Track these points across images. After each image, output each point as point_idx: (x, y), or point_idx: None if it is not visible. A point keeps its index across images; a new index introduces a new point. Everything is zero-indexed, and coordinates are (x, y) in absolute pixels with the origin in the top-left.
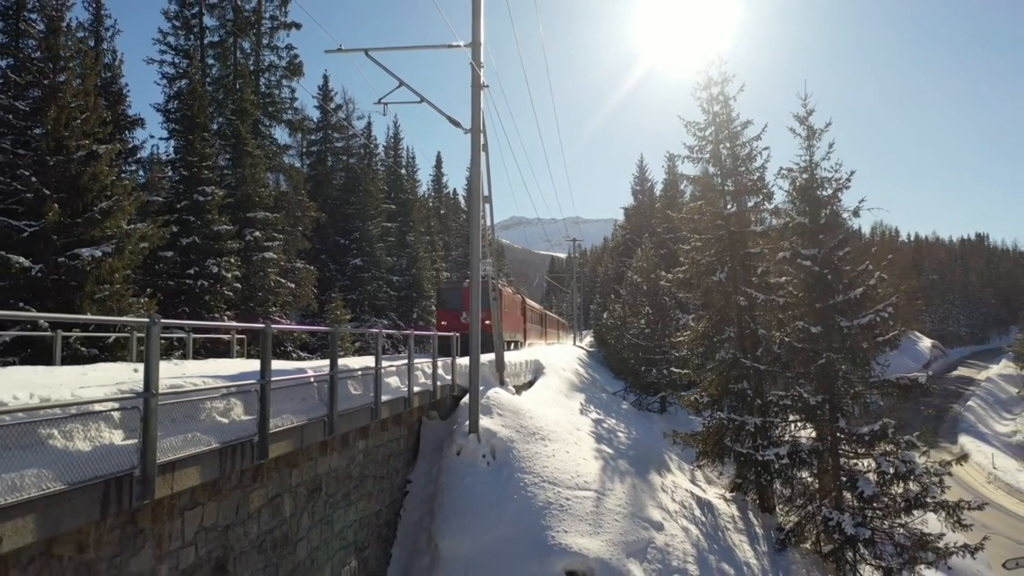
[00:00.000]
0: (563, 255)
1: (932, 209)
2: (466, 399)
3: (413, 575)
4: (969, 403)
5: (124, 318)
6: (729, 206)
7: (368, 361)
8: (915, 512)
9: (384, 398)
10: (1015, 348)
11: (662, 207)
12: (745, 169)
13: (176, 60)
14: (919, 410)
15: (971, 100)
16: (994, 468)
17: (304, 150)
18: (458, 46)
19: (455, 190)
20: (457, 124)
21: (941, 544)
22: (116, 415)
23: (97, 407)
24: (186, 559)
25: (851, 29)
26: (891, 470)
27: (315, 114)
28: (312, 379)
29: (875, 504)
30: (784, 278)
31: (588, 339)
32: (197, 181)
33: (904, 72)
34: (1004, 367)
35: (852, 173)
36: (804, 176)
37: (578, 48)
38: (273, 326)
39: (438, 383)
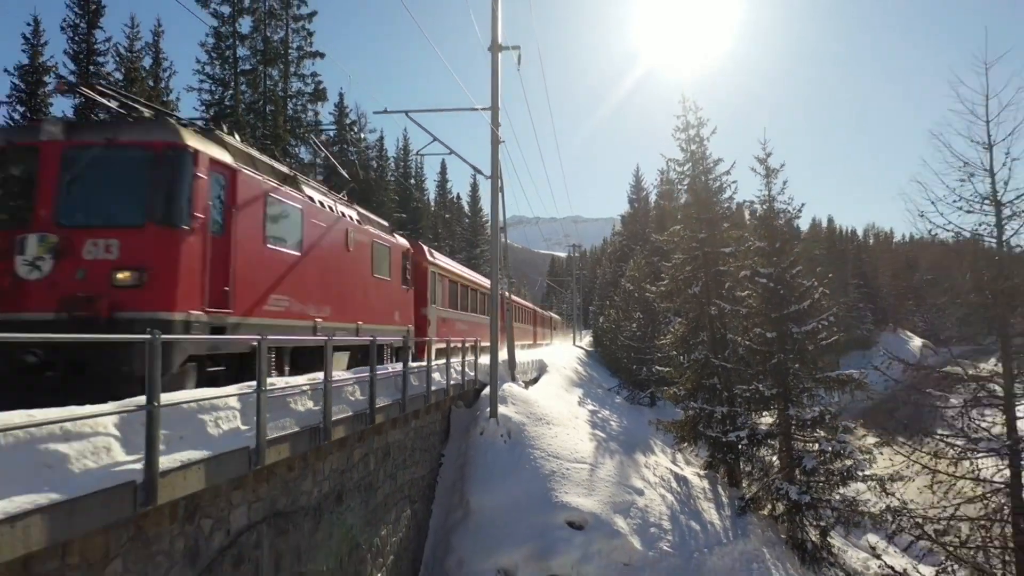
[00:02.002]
0: (563, 254)
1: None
2: (486, 391)
3: (450, 522)
4: (952, 400)
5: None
6: (703, 232)
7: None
8: (850, 483)
9: (433, 388)
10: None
11: (656, 216)
12: (716, 200)
13: (212, 88)
14: (902, 406)
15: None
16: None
17: (321, 163)
18: (477, 109)
19: (458, 195)
20: (479, 171)
21: (872, 508)
22: (309, 392)
23: (304, 387)
24: (325, 488)
25: (851, 27)
26: (829, 449)
27: (327, 126)
28: (391, 374)
29: (816, 476)
30: (746, 292)
31: (588, 339)
32: None
33: (902, 71)
34: (993, 366)
35: (803, 205)
36: (763, 207)
37: (579, 47)
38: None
39: (465, 378)
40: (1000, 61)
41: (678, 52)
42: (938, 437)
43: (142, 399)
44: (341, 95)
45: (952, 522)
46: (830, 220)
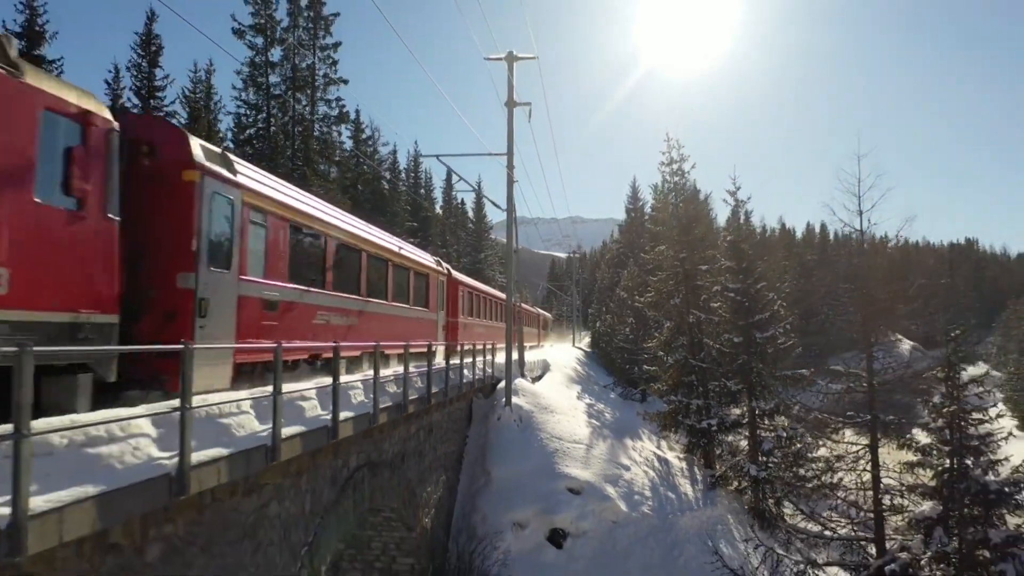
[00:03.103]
0: (563, 255)
1: (931, 212)
2: (501, 385)
3: (475, 488)
4: (934, 400)
5: None
6: (683, 252)
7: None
8: (802, 463)
9: (465, 380)
10: (992, 349)
11: (650, 230)
12: (696, 224)
13: (247, 112)
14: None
15: (970, 102)
16: None
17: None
18: (493, 154)
19: (463, 200)
20: (497, 206)
21: (812, 484)
22: (393, 379)
23: (391, 377)
24: (395, 449)
25: (849, 30)
26: (784, 435)
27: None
28: (439, 370)
29: (773, 457)
30: (718, 303)
31: (587, 340)
32: None
33: (902, 72)
34: (979, 368)
35: (771, 230)
36: (733, 234)
37: (580, 47)
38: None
39: (484, 374)
40: (869, 155)
41: (678, 52)
42: (824, 415)
43: (329, 379)
44: (357, 112)
45: (830, 474)
46: (823, 226)
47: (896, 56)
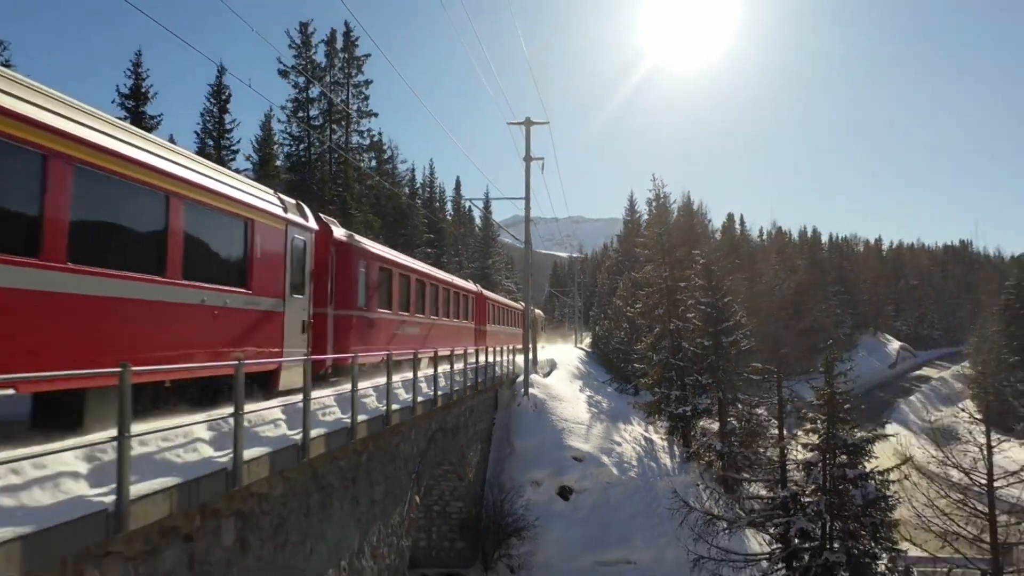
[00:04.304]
0: (564, 255)
1: (931, 213)
2: (520, 379)
3: (502, 456)
4: (911, 397)
5: None
6: (666, 271)
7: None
8: (760, 442)
9: (497, 374)
10: (969, 349)
11: (639, 250)
12: (678, 248)
13: (290, 143)
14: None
15: (977, 103)
16: (898, 444)
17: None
18: (513, 198)
19: (470, 206)
20: (516, 238)
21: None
22: (459, 372)
23: (457, 370)
24: (453, 422)
25: (847, 31)
26: (744, 418)
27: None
28: (479, 365)
29: (735, 437)
30: (692, 314)
31: (588, 340)
32: None
33: (906, 72)
34: (963, 367)
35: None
36: (705, 258)
37: (585, 45)
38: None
39: (507, 370)
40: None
41: (681, 50)
42: (749, 397)
43: (422, 371)
44: (380, 133)
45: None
46: (815, 230)
47: (896, 58)
